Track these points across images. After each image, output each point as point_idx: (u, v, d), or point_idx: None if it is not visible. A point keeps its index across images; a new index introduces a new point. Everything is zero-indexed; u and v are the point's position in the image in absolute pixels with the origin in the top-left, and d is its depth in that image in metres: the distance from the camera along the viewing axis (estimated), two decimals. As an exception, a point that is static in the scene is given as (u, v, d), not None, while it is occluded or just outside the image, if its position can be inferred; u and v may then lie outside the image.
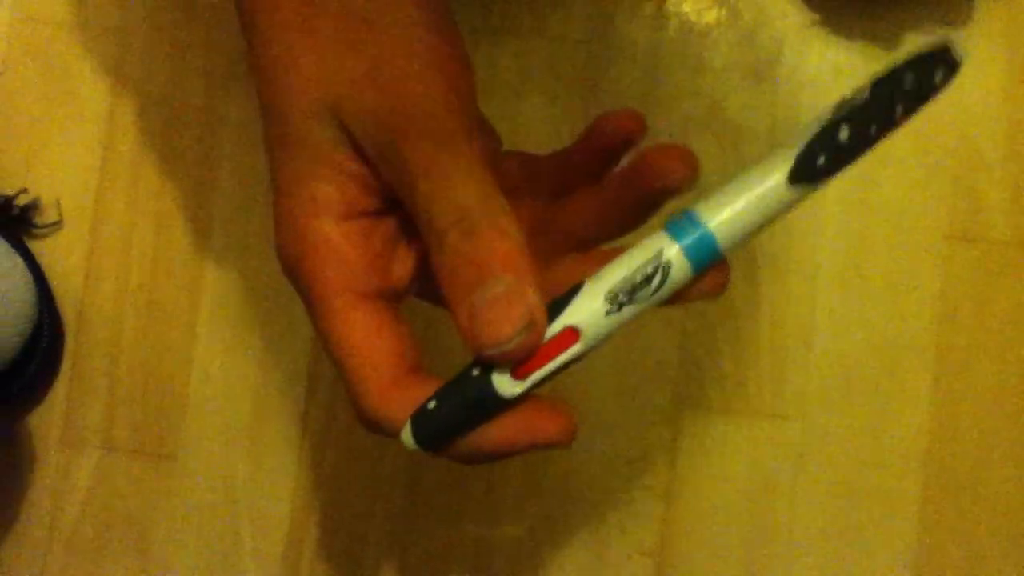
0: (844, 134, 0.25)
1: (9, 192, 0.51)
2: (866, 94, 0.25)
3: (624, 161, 0.31)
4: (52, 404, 0.51)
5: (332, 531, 0.50)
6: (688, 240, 0.26)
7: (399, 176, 0.27)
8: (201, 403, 0.50)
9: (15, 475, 0.51)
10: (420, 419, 0.27)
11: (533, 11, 0.50)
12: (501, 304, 0.26)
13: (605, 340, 0.27)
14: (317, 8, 0.26)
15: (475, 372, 0.27)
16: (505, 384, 0.26)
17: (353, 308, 0.28)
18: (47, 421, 0.51)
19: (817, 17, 0.49)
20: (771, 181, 0.26)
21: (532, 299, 0.26)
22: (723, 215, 0.26)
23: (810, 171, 0.25)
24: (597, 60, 0.50)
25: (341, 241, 0.28)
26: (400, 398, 0.27)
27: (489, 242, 0.26)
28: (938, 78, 0.25)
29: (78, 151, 0.52)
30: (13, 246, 0.50)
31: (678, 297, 0.27)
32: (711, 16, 0.49)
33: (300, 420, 0.50)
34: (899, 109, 0.25)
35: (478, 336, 0.26)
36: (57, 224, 0.52)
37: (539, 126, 0.50)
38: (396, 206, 0.28)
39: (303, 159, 0.27)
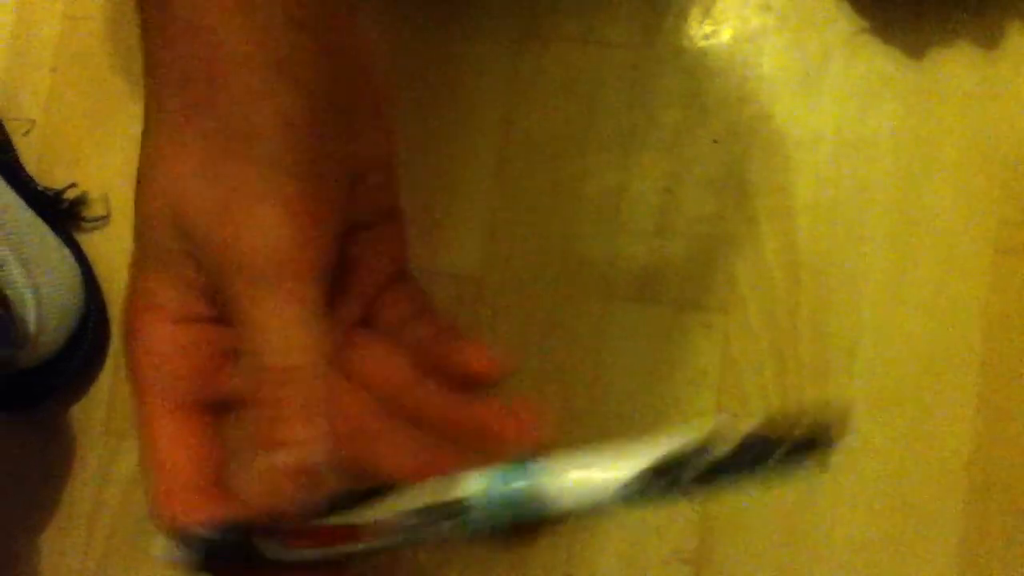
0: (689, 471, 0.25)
1: (58, 186, 0.52)
2: (733, 447, 0.25)
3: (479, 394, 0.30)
4: (97, 395, 0.51)
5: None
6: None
7: (225, 305, 0.27)
8: (243, 397, 0.51)
9: (59, 465, 0.51)
10: (186, 538, 0.27)
11: (579, 17, 0.50)
12: (282, 475, 0.25)
13: (392, 546, 0.26)
14: (194, 121, 0.26)
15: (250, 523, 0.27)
16: (272, 548, 0.26)
17: (163, 415, 0.28)
18: (91, 412, 0.51)
19: (866, 24, 0.49)
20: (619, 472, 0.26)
21: (314, 473, 0.26)
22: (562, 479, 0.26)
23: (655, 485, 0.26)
24: (643, 66, 0.50)
25: (168, 344, 0.28)
26: (187, 508, 0.27)
27: (286, 409, 0.26)
28: (806, 460, 0.25)
29: (127, 146, 0.52)
30: (62, 240, 0.51)
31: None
32: (758, 22, 0.49)
33: (340, 418, 0.50)
34: (766, 467, 0.25)
35: (253, 501, 0.26)
36: (105, 218, 0.52)
37: (584, 133, 0.50)
38: None
39: (149, 256, 0.28)
